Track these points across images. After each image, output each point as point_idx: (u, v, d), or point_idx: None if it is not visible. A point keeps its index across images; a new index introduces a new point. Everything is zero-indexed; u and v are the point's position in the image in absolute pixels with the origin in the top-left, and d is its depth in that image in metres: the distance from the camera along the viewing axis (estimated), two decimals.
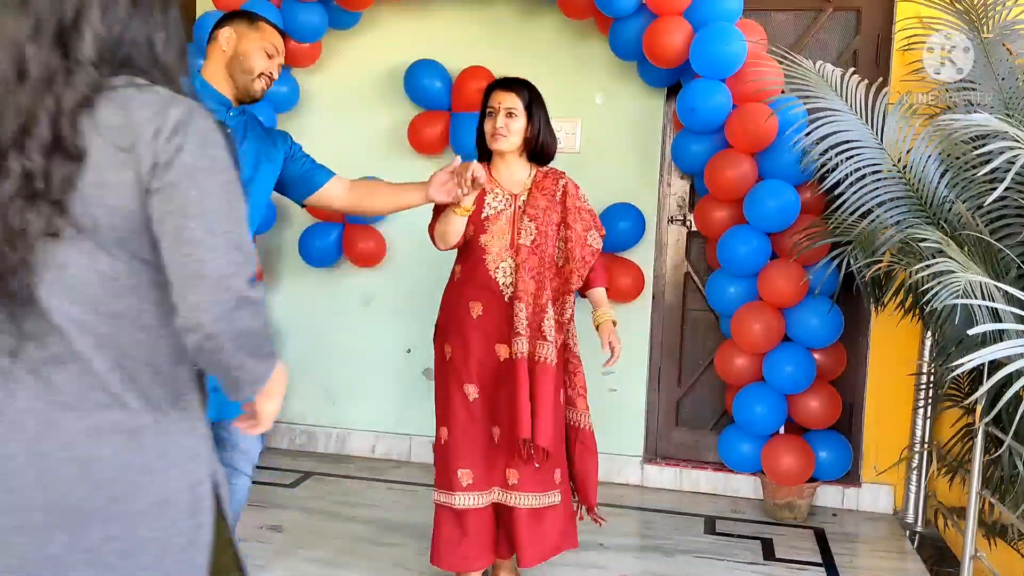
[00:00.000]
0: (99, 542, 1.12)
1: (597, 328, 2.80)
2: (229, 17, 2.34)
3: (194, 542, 1.20)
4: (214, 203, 1.09)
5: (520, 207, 2.69)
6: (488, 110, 2.69)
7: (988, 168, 2.32)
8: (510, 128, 2.64)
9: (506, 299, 2.65)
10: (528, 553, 2.68)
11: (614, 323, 2.79)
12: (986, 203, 2.56)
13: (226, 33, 2.27)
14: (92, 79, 1.06)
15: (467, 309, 2.67)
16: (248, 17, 2.33)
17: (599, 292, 2.82)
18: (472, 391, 2.66)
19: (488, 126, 2.68)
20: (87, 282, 1.09)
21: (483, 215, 2.66)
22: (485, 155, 2.76)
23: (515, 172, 2.73)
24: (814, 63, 3.25)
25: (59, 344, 1.10)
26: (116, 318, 1.11)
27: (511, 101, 2.65)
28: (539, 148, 2.71)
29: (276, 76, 2.38)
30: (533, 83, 2.75)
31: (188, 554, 1.19)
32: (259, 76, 2.30)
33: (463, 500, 2.64)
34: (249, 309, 1.13)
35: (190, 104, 1.09)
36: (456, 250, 2.75)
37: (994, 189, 2.44)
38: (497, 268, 2.66)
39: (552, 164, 2.74)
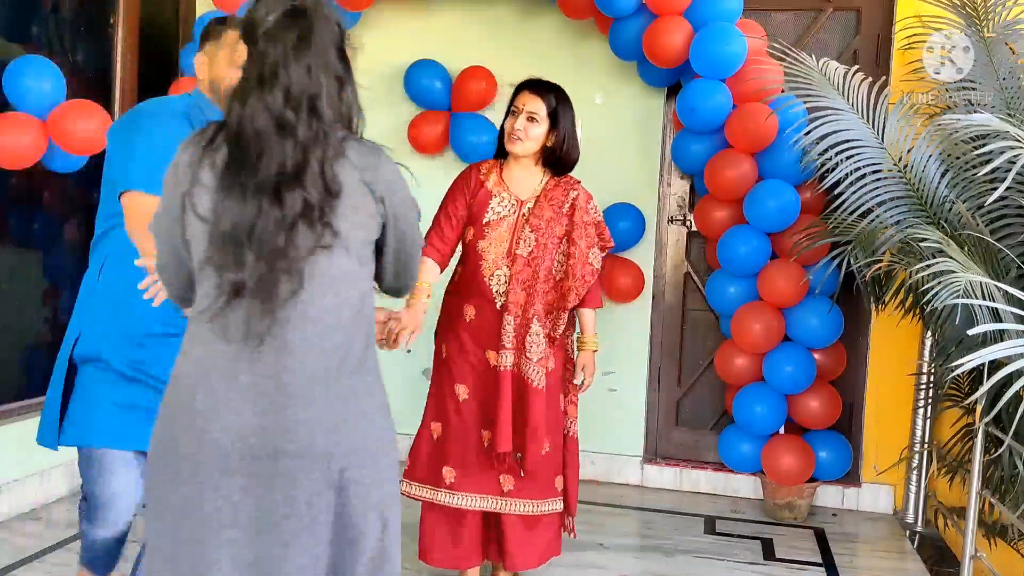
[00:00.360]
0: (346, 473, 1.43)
1: (578, 350, 2.75)
2: (201, 40, 2.19)
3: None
4: (415, 216, 1.58)
5: (524, 215, 2.63)
6: (512, 109, 2.63)
7: (989, 168, 2.32)
8: (528, 132, 2.58)
9: (498, 307, 2.62)
10: (519, 559, 2.68)
11: (594, 351, 2.73)
12: (987, 203, 2.55)
13: (199, 60, 2.15)
14: (338, 135, 1.43)
15: (461, 311, 2.67)
16: (212, 32, 2.15)
17: (589, 315, 2.73)
18: (463, 391, 2.65)
19: (508, 125, 2.62)
20: (338, 279, 1.43)
21: (484, 219, 2.62)
22: (502, 153, 2.69)
23: (527, 177, 2.67)
24: (817, 60, 3.24)
25: (312, 328, 1.41)
26: (347, 305, 1.45)
27: (535, 105, 2.58)
28: (559, 158, 2.64)
29: None
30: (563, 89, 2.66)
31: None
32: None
33: (446, 498, 2.63)
34: None
35: (382, 149, 1.52)
36: (460, 250, 2.74)
37: (994, 189, 2.44)
38: (492, 276, 2.62)
39: None
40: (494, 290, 2.62)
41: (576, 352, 2.76)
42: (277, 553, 1.38)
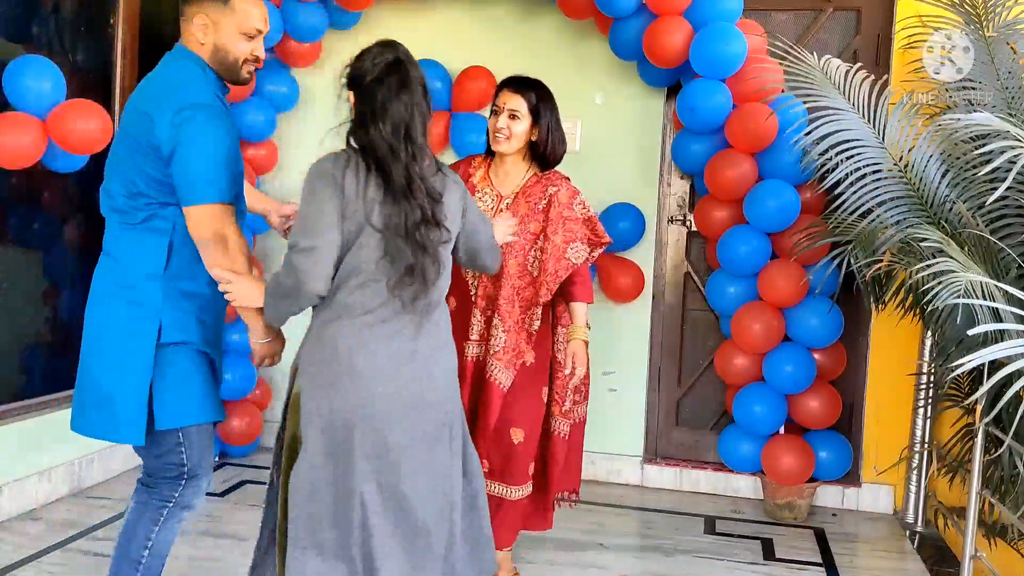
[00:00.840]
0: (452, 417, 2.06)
1: (567, 341, 2.76)
2: None
3: None
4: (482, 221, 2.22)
5: (501, 211, 2.67)
6: (494, 108, 2.67)
7: (989, 168, 2.31)
8: (512, 130, 2.61)
9: (473, 301, 2.69)
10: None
11: (585, 343, 2.74)
12: (987, 203, 2.55)
13: (200, 22, 2.07)
14: (431, 154, 1.96)
15: (447, 301, 2.71)
16: None
17: (577, 307, 2.73)
18: None
19: (491, 124, 2.66)
20: (446, 265, 2.00)
21: None
22: (490, 151, 2.73)
23: (513, 174, 2.71)
24: (819, 59, 3.24)
25: (435, 306, 1.99)
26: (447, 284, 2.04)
27: (516, 103, 2.61)
28: (543, 153, 2.66)
29: (262, 56, 2.20)
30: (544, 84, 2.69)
31: None
32: (243, 63, 2.15)
33: None
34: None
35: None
36: None
37: (995, 189, 2.44)
38: (467, 270, 2.66)
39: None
40: (469, 283, 2.70)
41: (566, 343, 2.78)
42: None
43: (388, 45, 1.94)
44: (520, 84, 2.66)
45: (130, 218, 2.09)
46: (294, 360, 2.04)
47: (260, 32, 2.15)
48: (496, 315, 2.63)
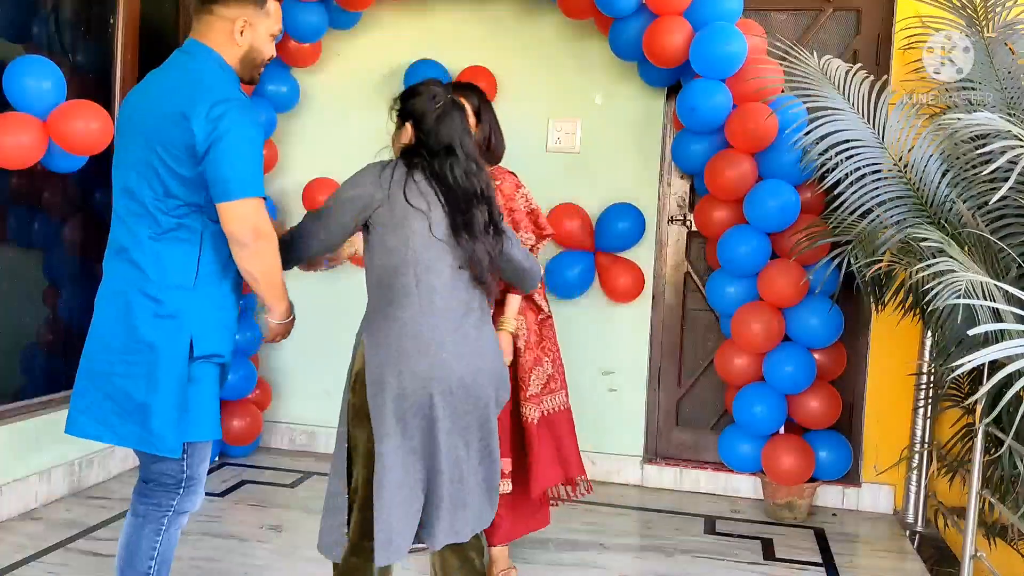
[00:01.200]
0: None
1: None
2: None
3: None
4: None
5: None
6: None
7: (992, 168, 2.31)
8: None
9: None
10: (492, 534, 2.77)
11: (512, 335, 2.76)
12: (988, 203, 2.55)
13: (240, 23, 2.08)
14: (483, 166, 2.27)
15: None
16: None
17: (511, 299, 2.73)
18: None
19: None
20: (497, 265, 2.27)
21: None
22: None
23: None
24: (819, 58, 3.24)
25: (488, 301, 2.29)
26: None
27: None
28: (488, 149, 2.76)
29: (275, 54, 2.27)
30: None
31: None
32: (262, 64, 2.20)
33: None
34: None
35: None
36: None
37: (995, 189, 2.44)
38: None
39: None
40: None
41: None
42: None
43: (438, 83, 2.32)
44: (464, 88, 2.80)
45: (158, 226, 2.05)
46: (357, 338, 2.23)
47: (279, 33, 2.22)
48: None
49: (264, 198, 2.07)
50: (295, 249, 2.23)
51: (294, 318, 2.25)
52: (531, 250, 2.74)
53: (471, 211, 2.16)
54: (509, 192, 2.76)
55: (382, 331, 2.14)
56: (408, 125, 2.24)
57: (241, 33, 2.09)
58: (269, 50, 2.18)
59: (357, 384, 2.18)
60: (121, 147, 2.13)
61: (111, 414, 2.09)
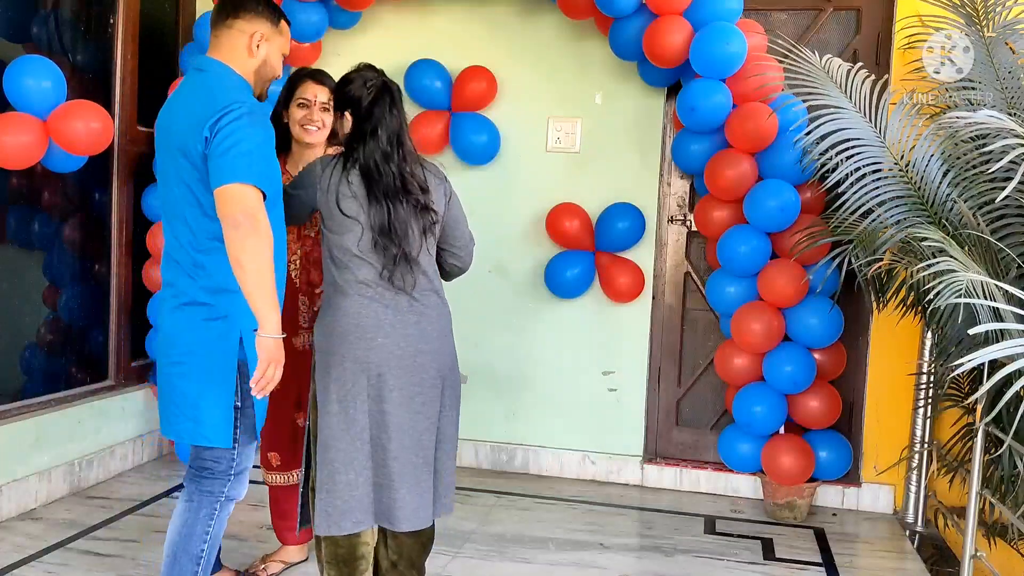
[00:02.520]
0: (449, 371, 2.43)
1: None
2: (246, 7, 2.22)
3: None
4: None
5: None
6: (302, 101, 2.70)
7: (996, 167, 2.31)
8: (324, 121, 2.70)
9: (297, 287, 2.73)
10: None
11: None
12: (990, 203, 2.55)
13: (257, 37, 2.22)
14: (409, 150, 2.33)
15: None
16: (271, 16, 2.27)
17: None
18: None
19: (302, 116, 2.69)
20: (431, 248, 2.37)
21: None
22: (285, 143, 2.74)
23: (310, 158, 2.69)
24: (820, 57, 3.24)
25: (426, 283, 2.34)
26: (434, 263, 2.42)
27: (326, 96, 2.70)
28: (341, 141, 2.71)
29: (281, 75, 2.44)
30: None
31: None
32: (271, 79, 2.35)
33: (273, 479, 2.85)
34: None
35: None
36: None
37: (995, 189, 2.44)
38: (290, 261, 2.70)
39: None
40: (292, 273, 2.73)
41: None
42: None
43: (371, 68, 2.34)
44: (326, 77, 2.77)
45: (199, 236, 2.17)
46: (313, 337, 2.36)
47: (287, 54, 2.38)
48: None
49: (264, 193, 2.11)
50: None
51: (282, 349, 2.17)
52: None
53: (394, 207, 2.24)
54: None
55: (326, 319, 2.30)
56: (347, 114, 2.30)
57: (257, 46, 2.23)
58: (279, 68, 2.34)
59: (313, 371, 2.35)
60: (159, 165, 2.28)
61: (171, 413, 2.26)
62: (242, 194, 2.05)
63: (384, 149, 2.25)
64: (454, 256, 2.51)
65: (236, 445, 2.27)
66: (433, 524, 2.44)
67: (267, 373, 2.12)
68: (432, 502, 2.36)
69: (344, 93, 2.31)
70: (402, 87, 4.07)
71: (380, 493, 2.30)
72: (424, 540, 2.44)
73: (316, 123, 2.70)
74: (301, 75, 2.78)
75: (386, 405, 2.26)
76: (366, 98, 2.27)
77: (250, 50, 2.22)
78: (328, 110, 2.69)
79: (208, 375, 2.19)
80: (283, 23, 2.32)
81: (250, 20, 2.21)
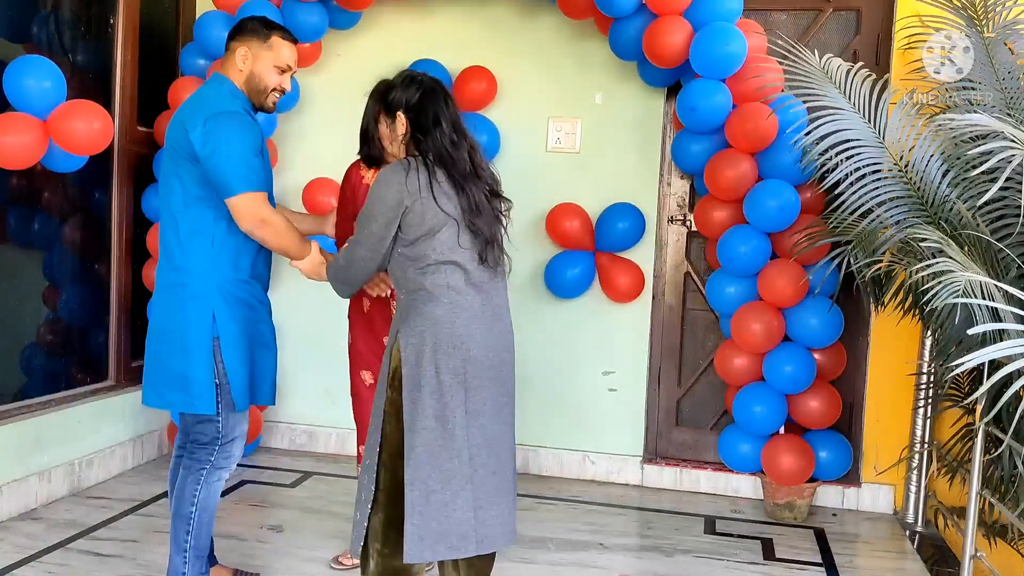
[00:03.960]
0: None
1: None
2: (243, 30, 2.52)
3: None
4: None
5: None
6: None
7: (984, 167, 2.31)
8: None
9: (386, 295, 2.77)
10: None
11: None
12: (980, 203, 2.55)
13: (242, 52, 2.49)
14: (467, 140, 2.30)
15: (360, 302, 2.90)
16: (261, 34, 2.51)
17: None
18: (368, 377, 2.94)
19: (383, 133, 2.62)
20: (502, 240, 2.31)
21: None
22: (371, 160, 2.80)
23: None
24: (820, 58, 3.24)
25: (504, 272, 2.32)
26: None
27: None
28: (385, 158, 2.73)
29: (288, 88, 2.60)
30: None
31: None
32: (271, 91, 2.54)
33: None
34: None
35: None
36: None
37: (997, 189, 2.43)
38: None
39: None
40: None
41: None
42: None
43: (423, 75, 2.35)
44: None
45: (181, 224, 2.45)
46: (391, 341, 2.26)
47: (290, 68, 2.57)
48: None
49: (266, 192, 2.45)
50: (351, 283, 2.36)
51: (323, 261, 2.51)
52: None
53: (475, 190, 2.21)
54: (355, 181, 2.84)
55: (415, 327, 2.19)
56: (399, 115, 2.27)
57: (244, 61, 2.50)
58: (273, 79, 2.53)
59: (395, 381, 2.22)
60: (162, 163, 2.54)
61: (161, 385, 2.50)
62: (249, 203, 2.38)
63: (451, 136, 2.23)
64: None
65: (220, 415, 2.48)
66: None
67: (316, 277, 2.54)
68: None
69: (392, 96, 2.29)
70: None
71: (481, 515, 2.18)
72: (493, 554, 2.34)
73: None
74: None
75: (482, 419, 2.19)
76: (415, 95, 2.26)
77: (239, 66, 2.50)
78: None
79: (189, 349, 2.43)
80: (274, 38, 2.52)
81: (241, 41, 2.51)
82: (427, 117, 2.24)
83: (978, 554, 2.58)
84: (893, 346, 3.73)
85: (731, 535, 3.47)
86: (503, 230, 2.30)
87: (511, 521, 2.25)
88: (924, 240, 2.42)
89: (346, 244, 2.31)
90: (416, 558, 2.12)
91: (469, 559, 2.25)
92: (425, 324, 2.16)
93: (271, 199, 2.55)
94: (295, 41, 2.61)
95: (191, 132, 2.36)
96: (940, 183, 2.94)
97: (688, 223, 4.07)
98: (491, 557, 2.32)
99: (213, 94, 2.46)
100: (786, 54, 3.27)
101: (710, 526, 3.57)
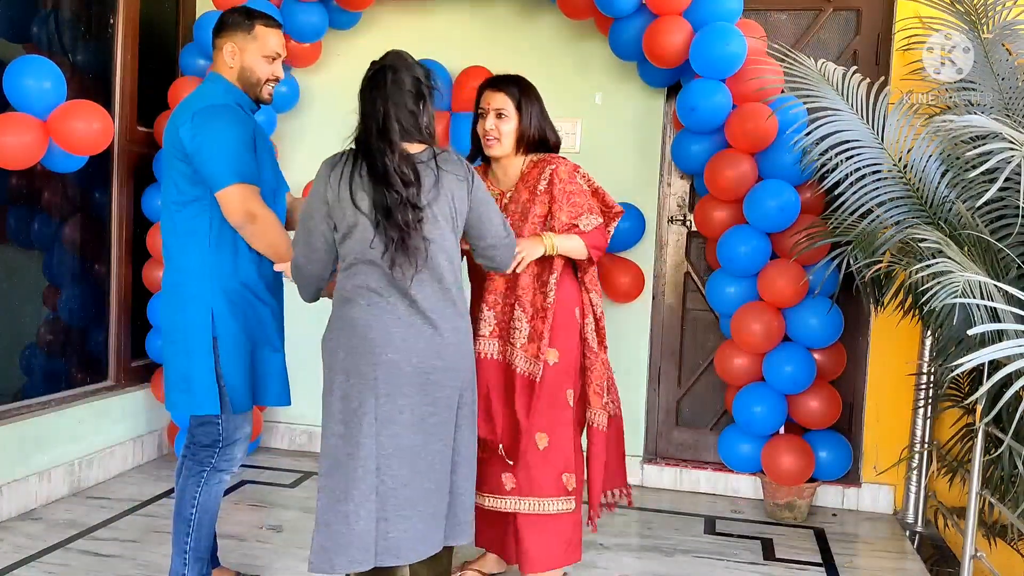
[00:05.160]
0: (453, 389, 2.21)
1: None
2: (225, 25, 2.50)
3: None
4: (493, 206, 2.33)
5: (504, 205, 2.65)
6: (480, 111, 2.64)
7: (983, 168, 2.31)
8: (501, 130, 2.58)
9: (482, 296, 2.63)
10: (531, 561, 2.63)
11: (543, 244, 2.54)
12: (979, 204, 2.55)
13: (228, 48, 2.48)
14: (394, 137, 2.12)
15: None
16: (244, 25, 2.48)
17: (575, 237, 2.60)
18: None
19: (480, 129, 2.64)
20: (443, 246, 2.14)
21: None
22: (476, 156, 2.71)
23: (510, 170, 2.67)
24: (816, 61, 3.24)
25: (439, 283, 2.14)
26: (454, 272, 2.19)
27: (500, 102, 2.59)
28: (534, 141, 2.63)
29: (281, 75, 2.57)
30: (530, 78, 2.70)
31: None
32: (264, 83, 2.53)
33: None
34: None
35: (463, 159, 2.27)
36: None
37: (996, 190, 2.43)
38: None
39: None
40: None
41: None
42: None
43: (386, 55, 2.20)
44: (501, 82, 2.65)
45: (178, 225, 2.45)
46: (323, 347, 2.23)
47: (279, 55, 2.54)
48: (517, 305, 2.58)
49: (259, 188, 2.43)
50: (304, 285, 2.29)
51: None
52: (603, 228, 2.66)
53: (388, 203, 2.06)
54: (566, 176, 2.60)
55: (334, 331, 2.18)
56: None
57: (232, 56, 2.49)
58: (265, 70, 2.51)
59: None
60: (162, 164, 2.58)
61: (169, 387, 2.52)
62: (237, 195, 2.36)
63: (377, 127, 2.10)
64: (482, 256, 2.36)
65: (220, 419, 2.49)
66: (450, 552, 2.33)
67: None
68: (443, 528, 2.19)
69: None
70: None
71: (385, 527, 2.10)
72: (440, 571, 2.31)
73: (491, 133, 2.58)
74: (481, 85, 2.67)
75: (395, 427, 2.09)
76: (365, 80, 2.17)
77: (228, 62, 2.50)
78: (504, 116, 2.57)
79: (190, 350, 2.43)
80: (258, 27, 2.48)
81: (225, 36, 2.50)
82: (363, 103, 2.14)
83: (978, 554, 2.58)
84: (893, 346, 3.73)
85: (731, 535, 3.47)
86: (421, 243, 2.09)
87: (428, 532, 2.14)
88: (924, 240, 2.43)
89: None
90: (319, 570, 2.07)
91: (412, 570, 2.24)
92: (340, 326, 2.14)
93: (280, 200, 2.55)
94: (279, 25, 2.56)
95: (180, 129, 2.37)
96: (939, 184, 2.94)
97: (688, 223, 4.07)
98: (435, 571, 2.28)
99: (207, 92, 2.46)
100: (783, 57, 3.27)
101: (710, 526, 3.57)
